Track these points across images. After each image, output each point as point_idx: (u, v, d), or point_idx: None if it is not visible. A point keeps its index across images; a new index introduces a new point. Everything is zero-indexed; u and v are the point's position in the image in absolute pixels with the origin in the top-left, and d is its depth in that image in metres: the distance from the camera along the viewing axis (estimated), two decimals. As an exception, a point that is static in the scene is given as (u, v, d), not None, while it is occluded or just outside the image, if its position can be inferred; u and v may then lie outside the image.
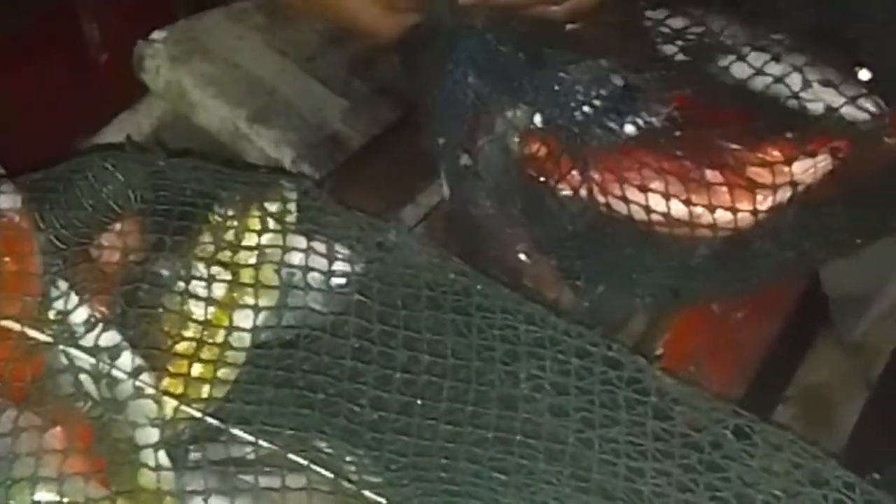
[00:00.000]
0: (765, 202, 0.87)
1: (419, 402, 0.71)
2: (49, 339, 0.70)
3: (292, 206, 0.78)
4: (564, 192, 0.89)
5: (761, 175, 0.87)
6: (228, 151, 1.10)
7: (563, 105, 0.89)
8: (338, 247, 0.76)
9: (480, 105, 0.90)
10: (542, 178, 0.90)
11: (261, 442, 0.69)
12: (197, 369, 0.72)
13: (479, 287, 0.73)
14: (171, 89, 1.13)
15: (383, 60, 1.16)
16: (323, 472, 0.69)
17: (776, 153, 0.88)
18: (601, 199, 0.88)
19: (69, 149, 0.91)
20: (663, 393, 0.69)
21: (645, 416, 0.68)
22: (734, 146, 0.88)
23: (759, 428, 0.67)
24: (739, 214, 0.86)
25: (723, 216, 0.86)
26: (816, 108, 0.91)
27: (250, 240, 0.76)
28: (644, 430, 0.68)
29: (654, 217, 0.87)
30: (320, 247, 0.76)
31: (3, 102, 1.11)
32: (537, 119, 0.90)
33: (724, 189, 0.86)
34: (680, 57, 0.95)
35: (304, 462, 0.69)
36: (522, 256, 0.89)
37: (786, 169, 0.87)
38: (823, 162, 0.87)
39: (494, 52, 0.90)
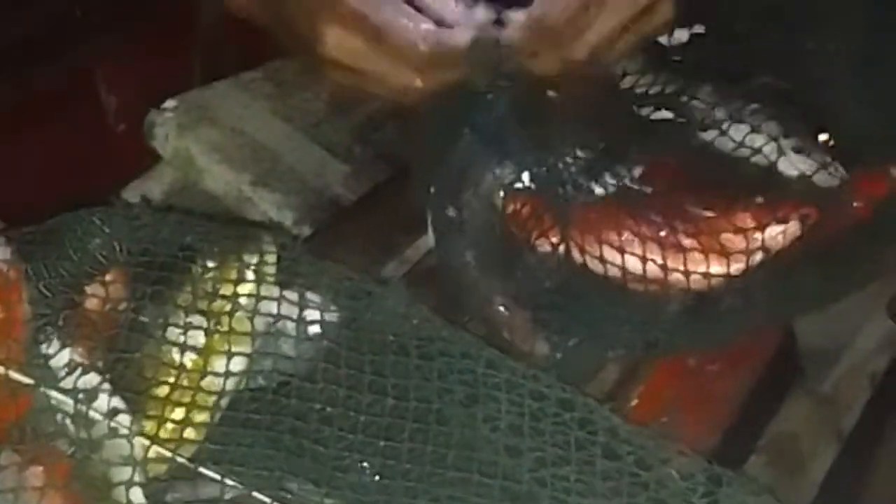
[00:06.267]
0: (737, 266, 0.89)
1: (382, 443, 0.74)
2: (31, 382, 0.73)
3: (270, 258, 0.81)
4: (543, 249, 0.92)
5: (733, 241, 0.90)
6: (233, 216, 1.15)
7: (548, 165, 0.93)
8: (310, 296, 0.80)
9: (469, 159, 0.93)
10: (522, 235, 0.93)
11: (228, 482, 0.72)
12: (173, 412, 0.75)
13: (441, 333, 0.76)
14: (179, 156, 1.18)
15: (386, 126, 1.21)
16: (286, 510, 0.72)
17: (748, 219, 0.90)
18: (579, 257, 0.91)
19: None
20: (613, 433, 0.71)
21: (595, 455, 0.70)
22: (708, 212, 0.91)
23: (703, 467, 0.69)
24: (712, 279, 0.89)
25: (696, 280, 0.89)
26: (787, 172, 0.94)
27: (228, 289, 0.79)
28: (594, 469, 0.70)
29: (630, 277, 0.89)
30: (293, 296, 0.80)
31: (18, 168, 1.16)
32: (525, 177, 0.93)
33: (699, 254, 0.89)
34: (657, 118, 0.98)
35: (269, 501, 0.71)
36: (501, 309, 0.92)
37: (757, 235, 0.89)
38: (793, 227, 0.90)
39: (486, 109, 0.93)
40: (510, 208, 0.94)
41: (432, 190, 0.94)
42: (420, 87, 0.85)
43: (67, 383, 0.73)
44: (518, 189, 0.94)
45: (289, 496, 0.73)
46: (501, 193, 0.94)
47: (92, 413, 0.73)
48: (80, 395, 0.73)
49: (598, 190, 0.94)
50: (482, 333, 0.89)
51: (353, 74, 0.86)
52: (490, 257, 0.93)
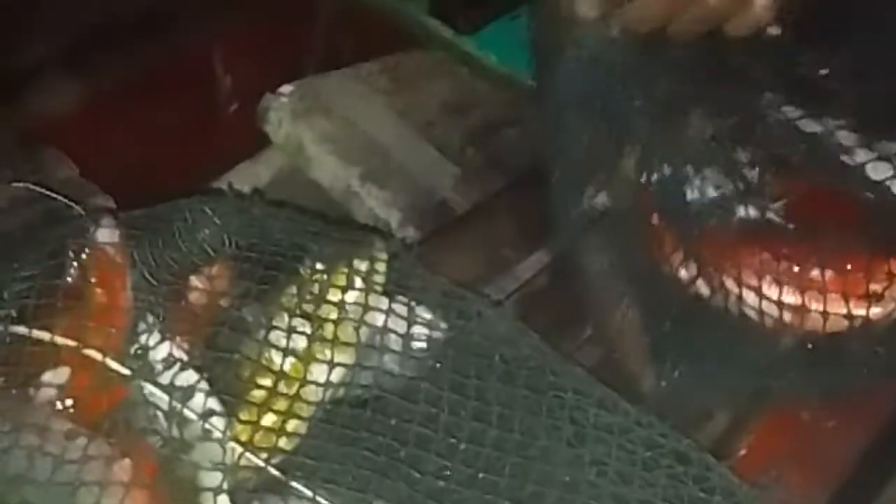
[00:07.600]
0: (872, 311, 0.84)
1: (481, 475, 0.70)
2: (127, 373, 0.71)
3: (381, 267, 0.78)
4: (671, 270, 0.88)
5: (874, 283, 0.84)
6: (339, 207, 1.12)
7: (683, 180, 0.88)
8: (419, 311, 0.77)
9: (601, 153, 0.89)
10: (653, 247, 0.88)
11: (320, 499, 0.69)
12: (268, 419, 0.73)
13: (553, 365, 0.73)
14: (291, 142, 1.17)
15: (500, 132, 1.18)
16: (376, 534, 0.69)
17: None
18: (705, 286, 0.86)
19: (186, 191, 0.93)
20: (729, 494, 0.67)
21: (707, 516, 0.66)
22: (852, 252, 0.86)
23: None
24: (844, 320, 0.84)
25: (831, 320, 0.84)
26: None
27: (335, 295, 0.77)
28: (705, 532, 0.66)
29: (760, 313, 0.85)
30: (402, 309, 0.77)
31: (130, 142, 1.14)
32: (658, 187, 0.89)
33: (835, 295, 0.84)
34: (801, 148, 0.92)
35: (358, 523, 0.69)
36: (625, 316, 0.88)
37: None
38: None
39: (617, 95, 0.88)
40: (643, 217, 0.89)
41: (562, 185, 0.90)
42: None
43: (165, 378, 0.71)
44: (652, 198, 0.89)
45: (379, 520, 0.70)
46: (629, 192, 0.89)
47: (187, 412, 0.70)
48: (177, 393, 0.71)
49: (734, 217, 0.89)
50: (597, 354, 0.86)
51: None
52: (622, 262, 0.89)
